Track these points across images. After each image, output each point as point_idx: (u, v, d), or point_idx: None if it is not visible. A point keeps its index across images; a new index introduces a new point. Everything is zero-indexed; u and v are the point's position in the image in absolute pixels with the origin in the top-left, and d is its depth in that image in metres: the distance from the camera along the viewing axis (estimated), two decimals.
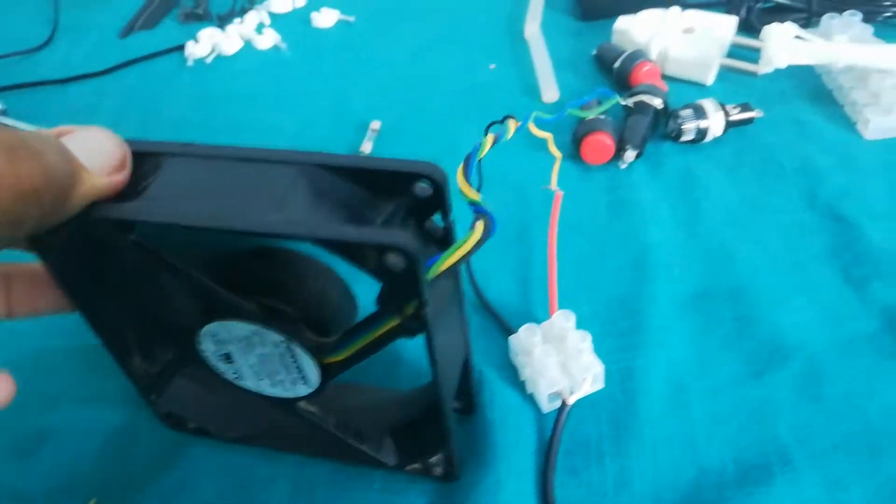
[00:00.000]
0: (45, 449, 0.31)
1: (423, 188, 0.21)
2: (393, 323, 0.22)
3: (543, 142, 0.27)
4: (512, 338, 0.31)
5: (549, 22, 0.51)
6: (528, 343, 0.30)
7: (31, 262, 0.23)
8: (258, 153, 0.22)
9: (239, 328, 0.24)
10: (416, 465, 0.28)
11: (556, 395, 0.29)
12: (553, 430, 0.29)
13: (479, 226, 0.21)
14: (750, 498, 0.26)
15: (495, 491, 0.27)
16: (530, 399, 0.30)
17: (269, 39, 0.52)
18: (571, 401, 0.29)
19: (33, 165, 0.18)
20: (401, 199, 0.22)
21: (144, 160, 0.22)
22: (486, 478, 0.27)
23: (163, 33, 0.56)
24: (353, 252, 0.21)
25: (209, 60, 0.52)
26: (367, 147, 0.42)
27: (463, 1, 0.55)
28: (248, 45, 0.53)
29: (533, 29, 0.48)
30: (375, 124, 0.44)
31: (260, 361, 0.25)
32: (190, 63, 0.52)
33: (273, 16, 0.55)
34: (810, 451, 0.27)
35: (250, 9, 0.55)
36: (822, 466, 0.27)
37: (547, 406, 0.30)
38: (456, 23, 0.53)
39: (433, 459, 0.28)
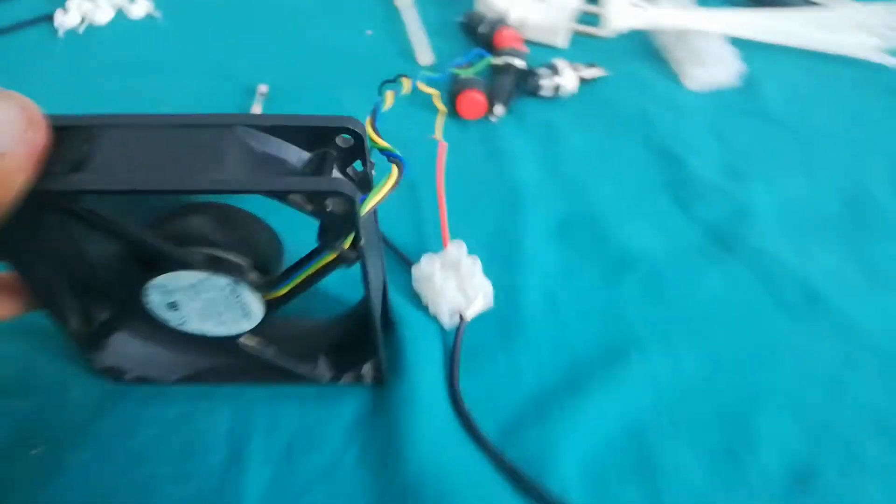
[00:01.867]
0: None
1: (345, 139, 0.27)
2: (331, 256, 0.27)
3: (423, 99, 0.33)
4: (414, 267, 0.37)
5: None
6: (429, 270, 0.36)
7: None
8: (188, 119, 0.26)
9: (186, 277, 0.27)
10: (348, 376, 0.34)
11: (455, 312, 0.36)
12: (454, 341, 0.35)
13: (395, 169, 0.27)
14: (612, 373, 0.34)
15: (412, 392, 0.33)
16: (434, 318, 0.37)
17: (141, 8, 0.55)
18: (468, 316, 0.36)
19: None
20: (324, 149, 0.27)
21: (77, 133, 0.25)
22: (404, 383, 0.33)
23: (23, 3, 0.56)
24: (295, 200, 0.25)
25: (81, 31, 0.53)
26: (257, 109, 0.46)
27: None
28: (120, 13, 0.55)
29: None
30: (263, 88, 0.48)
31: (205, 305, 0.29)
32: (61, 34, 0.53)
33: None
34: (655, 334, 0.36)
35: None
36: (665, 345, 0.36)
37: (448, 322, 0.36)
38: None
39: (364, 369, 0.34)
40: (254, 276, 0.29)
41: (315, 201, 0.24)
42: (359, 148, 0.27)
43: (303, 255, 0.28)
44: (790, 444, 0.32)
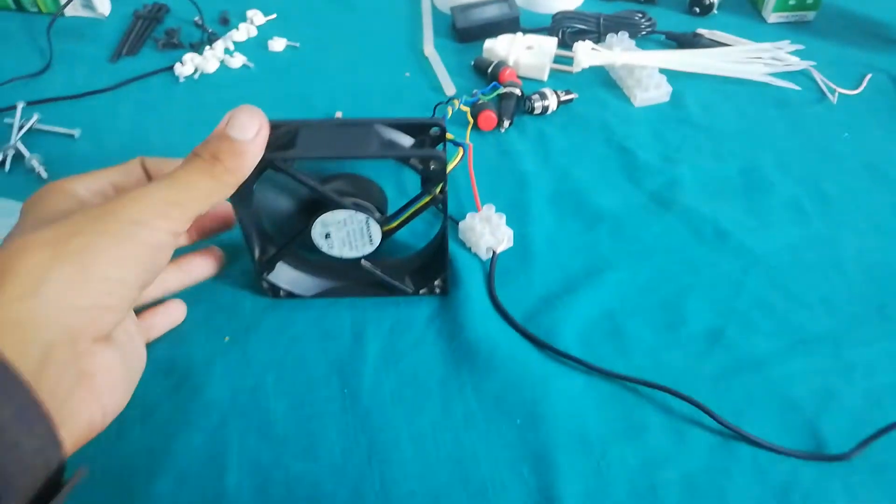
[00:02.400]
0: (193, 309, 0.48)
1: (435, 130, 0.43)
2: (429, 198, 0.41)
3: (455, 119, 0.51)
4: (461, 222, 0.52)
5: (437, 44, 0.72)
6: (471, 223, 0.51)
7: None
8: (347, 121, 0.42)
9: (340, 214, 0.42)
10: (425, 290, 0.48)
11: (489, 249, 0.51)
12: (490, 267, 0.50)
13: (461, 150, 0.44)
14: (593, 281, 0.49)
15: (466, 297, 0.48)
16: (475, 255, 0.52)
17: (238, 61, 0.69)
18: (499, 251, 0.51)
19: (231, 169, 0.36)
20: (423, 136, 0.43)
21: (289, 128, 0.40)
22: (461, 293, 0.48)
23: (146, 59, 0.71)
24: (413, 163, 0.40)
25: (196, 77, 0.68)
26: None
27: (375, 32, 0.75)
28: (223, 64, 0.70)
29: (430, 49, 0.70)
30: (339, 114, 0.64)
31: (347, 235, 0.44)
32: (181, 80, 0.68)
33: (236, 43, 0.72)
34: (620, 259, 0.51)
35: (217, 38, 0.72)
36: (627, 264, 0.50)
37: (484, 256, 0.51)
38: (374, 46, 0.73)
39: (435, 283, 0.48)
40: (378, 215, 0.44)
41: (423, 162, 0.40)
42: (442, 137, 0.43)
43: (399, 204, 0.45)
44: (706, 318, 0.47)
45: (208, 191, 0.35)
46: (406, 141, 0.43)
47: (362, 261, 0.47)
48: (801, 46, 0.68)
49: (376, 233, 0.44)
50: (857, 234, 0.53)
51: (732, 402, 0.43)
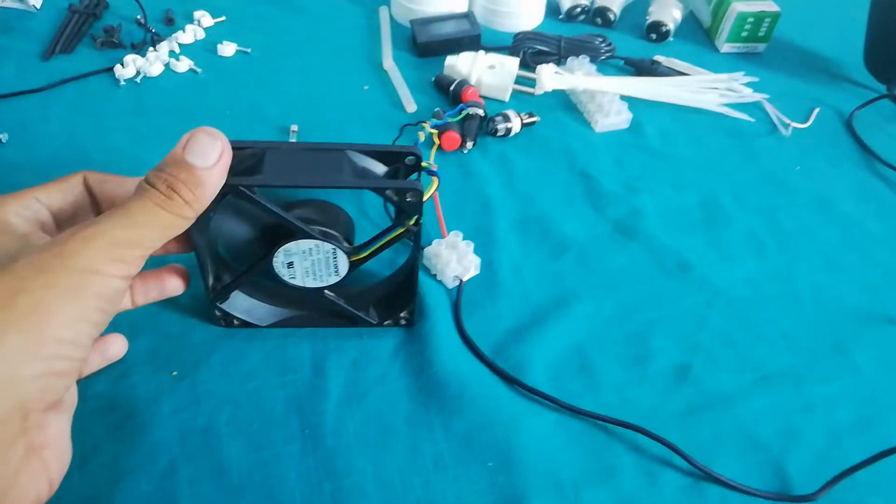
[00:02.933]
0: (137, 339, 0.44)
1: (410, 160, 0.41)
2: (402, 230, 0.39)
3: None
4: (426, 248, 0.50)
5: (396, 57, 0.69)
6: (437, 249, 0.49)
7: None
8: (314, 145, 0.38)
9: (306, 244, 0.39)
10: (389, 321, 0.46)
11: (456, 277, 0.49)
12: (457, 296, 0.48)
13: (435, 179, 0.41)
14: (560, 313, 0.48)
15: (433, 328, 0.46)
16: (440, 282, 0.50)
17: (185, 64, 0.65)
18: (465, 279, 0.49)
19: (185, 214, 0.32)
20: (397, 165, 0.41)
21: (253, 151, 0.37)
22: (427, 323, 0.46)
23: (82, 58, 0.66)
24: (389, 194, 0.37)
25: (138, 80, 0.63)
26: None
27: (331, 41, 0.72)
28: (167, 68, 0.65)
29: (389, 63, 0.67)
30: (294, 127, 0.60)
31: (312, 265, 0.41)
32: (122, 83, 0.63)
33: (181, 46, 0.68)
34: (585, 290, 0.50)
35: (161, 40, 0.67)
36: (592, 296, 0.49)
37: (451, 284, 0.49)
38: (330, 56, 0.70)
39: (402, 314, 0.45)
40: (345, 245, 0.41)
41: (400, 194, 0.37)
42: (417, 166, 0.41)
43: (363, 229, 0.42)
44: (672, 353, 0.47)
45: (165, 226, 0.32)
46: (379, 169, 0.40)
47: (325, 291, 0.43)
48: (755, 79, 0.69)
49: (343, 263, 0.41)
50: (812, 269, 0.54)
51: (700, 440, 0.43)
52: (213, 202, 0.34)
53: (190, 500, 0.38)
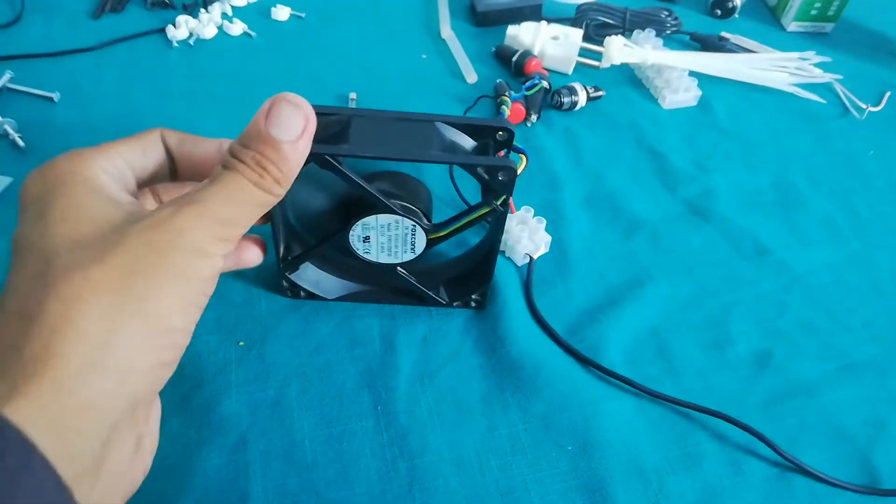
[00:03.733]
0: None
1: (502, 135, 0.38)
2: (487, 209, 0.37)
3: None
4: None
5: (454, 27, 0.67)
6: (508, 225, 0.47)
7: None
8: (404, 115, 0.36)
9: (386, 219, 0.37)
10: (459, 303, 0.44)
11: (526, 255, 0.47)
12: (528, 273, 0.47)
13: (524, 157, 0.39)
14: (635, 294, 0.46)
15: (503, 308, 0.44)
16: (509, 260, 0.48)
17: (238, 28, 0.63)
18: (536, 256, 0.48)
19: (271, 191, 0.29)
20: (486, 140, 0.38)
21: (339, 118, 0.35)
22: (497, 301, 0.44)
23: (133, 17, 0.64)
24: (479, 171, 0.35)
25: (191, 42, 0.61)
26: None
27: (387, 8, 0.70)
28: (221, 31, 0.63)
29: (447, 31, 0.65)
30: (353, 95, 0.58)
31: (388, 241, 0.39)
32: (175, 44, 0.61)
33: (234, 8, 0.65)
34: (660, 271, 0.48)
35: (212, 1, 0.65)
36: (667, 278, 0.47)
37: (521, 262, 0.47)
38: (386, 23, 0.68)
39: (473, 296, 0.43)
40: (425, 222, 0.39)
41: (491, 172, 0.35)
42: (508, 143, 0.38)
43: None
44: (752, 339, 0.45)
45: (260, 204, 0.29)
46: (467, 143, 0.38)
47: (398, 268, 0.42)
48: (826, 58, 0.66)
49: (421, 241, 0.39)
50: (892, 256, 0.52)
51: (785, 429, 0.41)
52: None
53: (262, 475, 0.36)
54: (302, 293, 0.43)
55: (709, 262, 0.49)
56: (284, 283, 0.43)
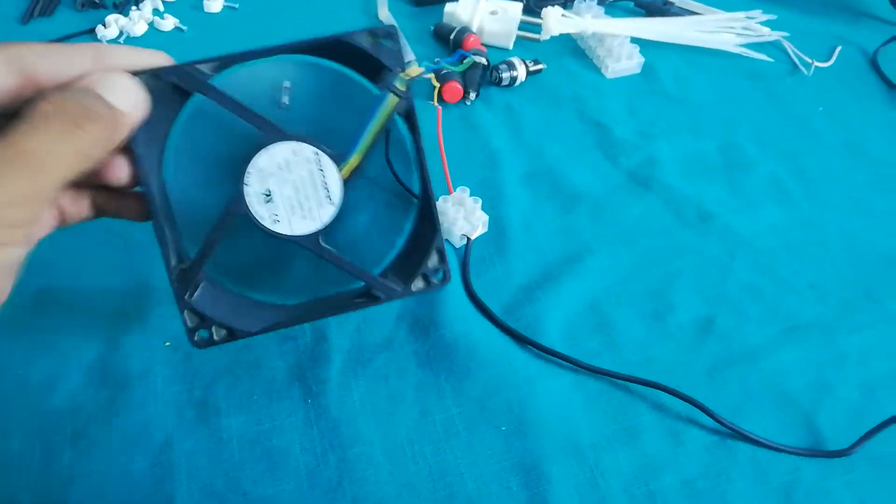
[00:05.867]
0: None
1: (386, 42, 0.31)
2: (390, 104, 0.30)
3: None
4: None
5: (392, 7, 0.66)
6: (443, 207, 0.46)
7: None
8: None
9: (280, 151, 0.30)
10: (421, 284, 0.34)
11: (464, 236, 0.46)
12: (465, 253, 0.46)
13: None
14: (574, 269, 0.45)
15: (439, 292, 0.44)
16: (447, 242, 0.47)
17: (170, 22, 0.62)
18: (473, 237, 0.46)
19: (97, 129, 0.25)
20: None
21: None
22: None
23: (63, 19, 0.63)
24: (358, 40, 0.30)
25: (121, 41, 0.60)
26: (285, 99, 0.56)
27: None
28: (151, 27, 0.62)
29: (385, 13, 0.64)
30: (287, 84, 0.57)
31: (295, 191, 0.31)
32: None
33: (165, 3, 0.64)
34: (600, 243, 0.47)
35: None
36: (608, 250, 0.47)
37: (458, 243, 0.47)
38: (323, 9, 0.66)
39: (430, 265, 0.34)
40: (327, 149, 0.31)
41: (373, 38, 0.30)
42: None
43: None
44: (695, 307, 0.44)
45: (72, 155, 0.24)
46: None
47: (321, 241, 0.33)
48: (773, 16, 0.65)
49: (333, 180, 0.32)
50: (841, 215, 0.51)
51: (728, 397, 0.40)
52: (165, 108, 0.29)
53: (188, 477, 0.36)
54: (215, 333, 0.33)
55: (651, 232, 0.49)
56: (186, 319, 0.32)
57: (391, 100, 0.31)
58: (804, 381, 0.41)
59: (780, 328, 0.44)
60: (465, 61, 0.55)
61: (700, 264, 0.47)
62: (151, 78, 0.29)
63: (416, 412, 0.39)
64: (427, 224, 0.34)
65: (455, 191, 0.47)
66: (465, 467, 0.37)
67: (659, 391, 0.40)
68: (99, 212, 0.31)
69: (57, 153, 0.23)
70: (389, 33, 0.30)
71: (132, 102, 0.27)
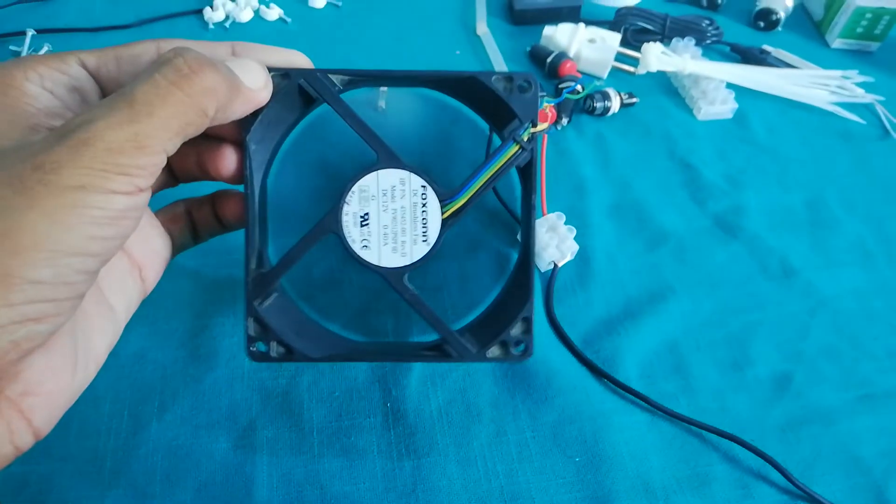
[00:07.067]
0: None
1: (523, 85, 0.31)
2: (512, 151, 0.30)
3: None
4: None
5: (490, 24, 0.66)
6: (536, 230, 0.47)
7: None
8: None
9: (389, 178, 0.30)
10: (496, 351, 0.32)
11: (552, 262, 0.47)
12: (549, 280, 0.46)
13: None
14: (655, 308, 0.45)
15: None
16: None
17: (275, 13, 0.63)
18: (560, 264, 0.47)
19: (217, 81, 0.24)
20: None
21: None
22: None
23: None
24: (493, 82, 0.30)
25: (227, 25, 0.62)
26: (382, 104, 0.57)
27: (424, 1, 0.70)
28: (257, 15, 0.64)
29: (483, 28, 0.64)
30: (384, 88, 0.58)
31: (393, 220, 0.31)
32: (210, 26, 0.61)
33: None
34: (683, 286, 0.47)
35: None
36: (690, 293, 0.47)
37: (545, 267, 0.47)
38: (422, 16, 0.67)
39: (512, 332, 0.32)
40: (435, 185, 0.31)
41: (508, 81, 0.30)
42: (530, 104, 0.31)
43: None
44: (773, 361, 0.44)
45: (179, 115, 0.24)
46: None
47: (405, 280, 0.32)
48: (870, 79, 0.65)
49: (434, 216, 0.31)
50: None
51: (799, 455, 0.40)
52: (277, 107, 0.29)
53: (269, 462, 0.37)
54: (273, 349, 0.32)
55: (733, 280, 0.48)
56: (249, 327, 0.31)
57: (513, 149, 0.30)
58: (877, 449, 0.41)
59: (855, 393, 0.43)
60: (580, 93, 0.55)
61: (780, 319, 0.47)
62: (281, 77, 0.30)
63: (492, 430, 0.39)
64: (520, 289, 0.33)
65: (549, 214, 0.48)
66: (537, 492, 0.37)
67: (732, 443, 0.40)
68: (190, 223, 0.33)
69: (170, 104, 0.23)
70: (528, 82, 0.30)
71: (258, 83, 0.28)
